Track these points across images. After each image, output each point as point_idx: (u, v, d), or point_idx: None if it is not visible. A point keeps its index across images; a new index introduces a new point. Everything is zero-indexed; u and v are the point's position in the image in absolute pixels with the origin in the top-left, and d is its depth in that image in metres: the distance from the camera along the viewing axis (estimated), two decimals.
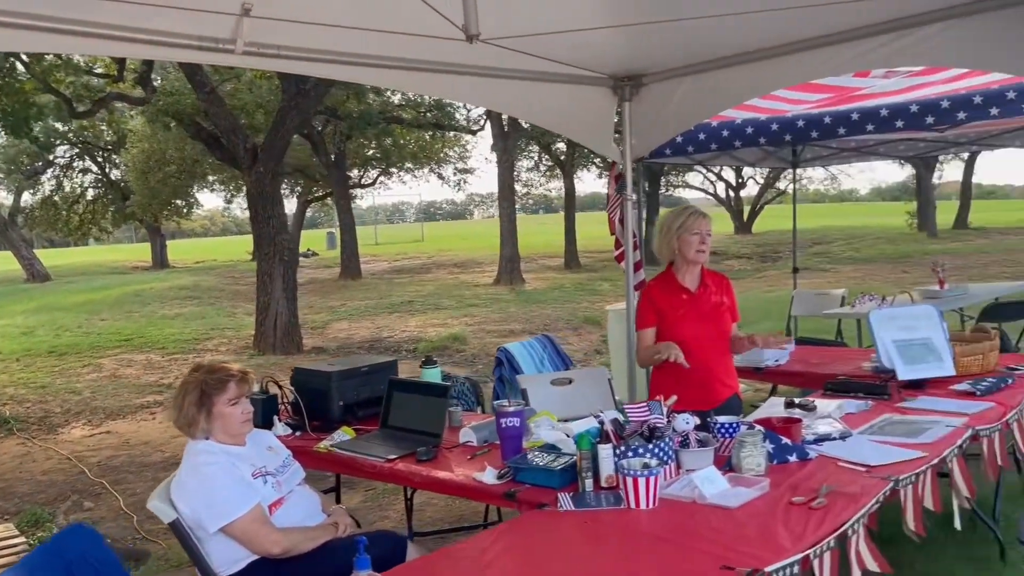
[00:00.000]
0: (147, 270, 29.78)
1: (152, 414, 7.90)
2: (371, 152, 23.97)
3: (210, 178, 25.36)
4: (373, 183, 28.58)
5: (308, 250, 33.11)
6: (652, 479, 2.37)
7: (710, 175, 33.33)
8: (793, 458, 2.71)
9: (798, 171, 8.68)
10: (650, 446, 2.55)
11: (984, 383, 3.55)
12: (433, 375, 3.80)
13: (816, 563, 2.05)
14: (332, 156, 21.83)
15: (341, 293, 19.09)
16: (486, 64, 3.87)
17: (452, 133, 23.37)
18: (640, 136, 4.79)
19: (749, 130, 5.70)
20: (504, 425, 2.93)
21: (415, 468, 2.98)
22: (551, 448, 2.86)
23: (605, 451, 2.57)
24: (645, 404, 2.78)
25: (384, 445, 3.23)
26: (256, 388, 3.60)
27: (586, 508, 2.42)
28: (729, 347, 3.61)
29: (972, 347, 3.87)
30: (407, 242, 40.85)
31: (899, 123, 5.02)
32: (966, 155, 28.33)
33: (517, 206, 23.96)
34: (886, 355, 3.80)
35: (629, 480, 2.38)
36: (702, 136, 5.86)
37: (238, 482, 2.59)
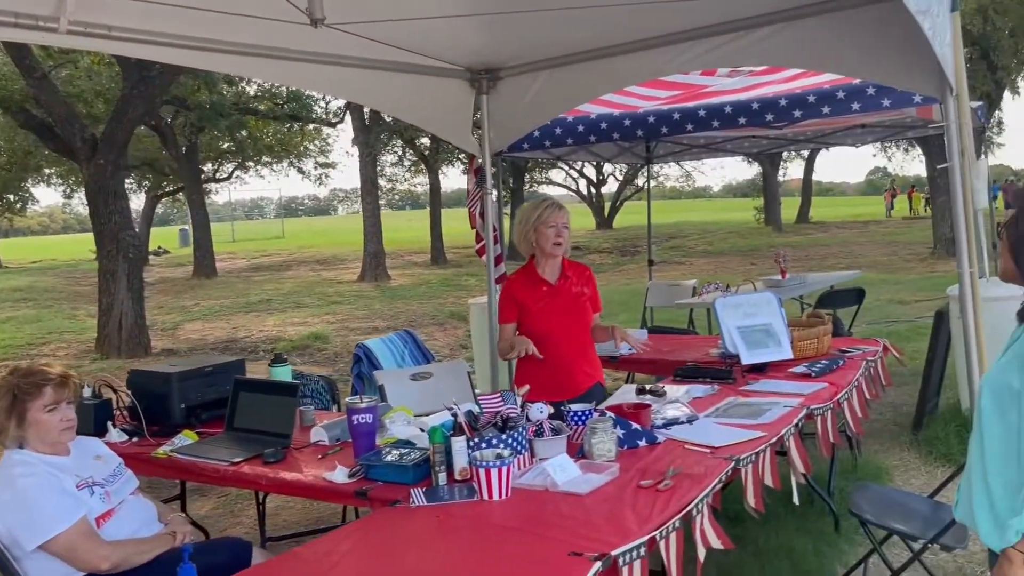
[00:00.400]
0: None
1: None
2: (226, 145, 22.98)
3: (46, 171, 23.54)
4: (228, 177, 27.53)
5: (159, 248, 31.48)
6: (504, 469, 2.36)
7: (572, 171, 34.06)
8: (643, 443, 2.77)
9: (653, 167, 8.99)
10: (504, 436, 2.54)
11: (818, 365, 3.75)
12: (283, 374, 3.64)
13: (662, 544, 2.09)
14: (183, 149, 20.76)
15: (194, 292, 18.20)
16: (334, 51, 3.75)
17: (311, 125, 22.74)
18: (498, 129, 4.81)
19: (603, 125, 5.82)
20: (356, 422, 2.84)
21: (261, 470, 2.84)
22: (405, 444, 2.81)
23: (459, 444, 2.53)
24: (499, 395, 2.77)
25: (229, 448, 3.07)
26: (88, 392, 3.36)
27: (439, 502, 2.37)
28: (591, 337, 3.66)
29: (808, 331, 4.09)
30: (266, 239, 39.50)
31: (742, 120, 5.26)
32: (806, 153, 30.30)
33: (382, 201, 23.64)
34: (731, 341, 3.96)
35: (482, 471, 2.36)
36: (558, 131, 5.94)
37: (60, 494, 2.38)
